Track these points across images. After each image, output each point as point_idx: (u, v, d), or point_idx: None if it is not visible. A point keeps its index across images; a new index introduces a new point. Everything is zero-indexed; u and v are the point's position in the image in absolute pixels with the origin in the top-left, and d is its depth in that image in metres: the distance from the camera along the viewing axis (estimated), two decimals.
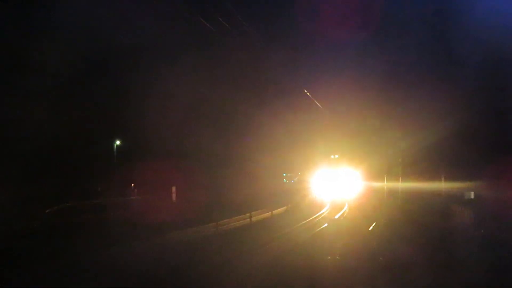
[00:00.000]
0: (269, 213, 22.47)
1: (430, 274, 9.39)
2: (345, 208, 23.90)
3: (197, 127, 25.14)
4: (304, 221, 19.99)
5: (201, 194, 21.58)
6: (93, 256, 11.17)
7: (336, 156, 30.33)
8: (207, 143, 24.40)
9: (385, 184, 23.11)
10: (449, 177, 18.92)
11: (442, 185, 18.88)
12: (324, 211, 24.24)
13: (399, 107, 23.49)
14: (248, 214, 19.83)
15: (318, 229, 18.37)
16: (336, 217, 22.10)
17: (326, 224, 19.63)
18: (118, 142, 30.09)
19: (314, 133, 29.94)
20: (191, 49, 24.69)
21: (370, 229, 17.55)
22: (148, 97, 23.78)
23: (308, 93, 24.65)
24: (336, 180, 24.85)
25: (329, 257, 12.25)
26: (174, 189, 20.88)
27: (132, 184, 23.78)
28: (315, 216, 22.08)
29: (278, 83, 27.85)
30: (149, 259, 11.85)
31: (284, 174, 36.83)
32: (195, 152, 23.97)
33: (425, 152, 19.59)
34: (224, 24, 16.68)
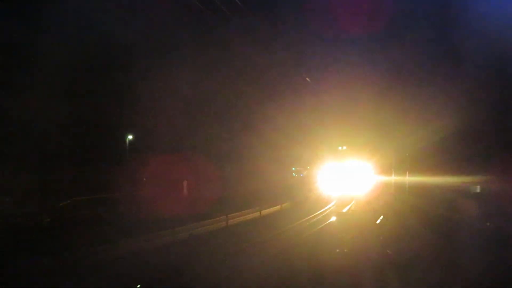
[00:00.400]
0: (279, 206, 22.86)
1: (437, 268, 9.68)
2: (353, 202, 24.16)
3: (209, 122, 25.69)
4: (312, 215, 20.30)
5: (212, 188, 22.02)
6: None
7: (344, 147, 30.46)
8: (218, 138, 24.89)
9: (392, 178, 23.29)
10: (457, 172, 19.07)
11: (449, 180, 19.04)
12: (332, 204, 24.51)
13: (409, 102, 23.61)
14: (257, 208, 20.30)
15: (326, 222, 18.64)
16: (344, 210, 22.35)
17: (334, 218, 19.92)
18: (130, 137, 30.62)
19: (322, 125, 30.14)
20: (197, 44, 25.17)
21: (377, 222, 17.81)
22: (157, 93, 24.24)
23: (308, 79, 24.96)
24: (344, 174, 25.03)
25: (337, 250, 12.53)
26: (185, 183, 21.32)
27: (144, 179, 24.15)
28: (323, 209, 22.37)
29: (286, 76, 28.14)
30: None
31: (293, 168, 37.19)
32: (206, 147, 24.47)
33: (433, 147, 19.75)
34: (227, 12, 16.99)
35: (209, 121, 26.57)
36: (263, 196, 21.85)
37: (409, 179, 21.02)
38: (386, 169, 24.75)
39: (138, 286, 9.28)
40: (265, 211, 20.99)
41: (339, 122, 28.45)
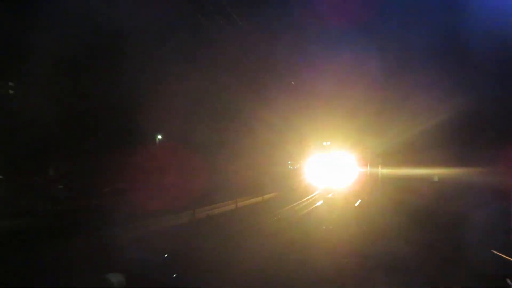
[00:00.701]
0: (277, 193, 27.16)
1: (400, 236, 13.70)
2: (337, 189, 28.43)
3: (212, 121, 29.05)
4: (303, 199, 24.48)
5: (223, 179, 26.10)
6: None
7: (328, 143, 34.58)
8: (228, 140, 28.59)
9: (368, 170, 27.41)
10: (423, 164, 23.14)
11: (416, 171, 23.16)
12: (319, 191, 28.81)
13: (388, 100, 26.71)
14: (260, 194, 24.58)
15: (315, 205, 22.79)
16: (329, 196, 26.58)
17: (321, 201, 24.09)
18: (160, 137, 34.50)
19: (310, 123, 34.04)
20: (188, 43, 27.21)
21: (356, 205, 22.00)
22: (171, 93, 27.27)
23: (293, 82, 28.10)
24: (330, 166, 29.01)
25: (324, 227, 16.58)
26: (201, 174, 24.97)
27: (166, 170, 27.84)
28: (312, 195, 26.65)
29: (275, 77, 31.32)
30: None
31: (289, 162, 41.35)
32: (219, 146, 28.18)
33: (403, 142, 23.68)
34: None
35: (213, 121, 30.27)
36: (265, 185, 25.97)
37: (382, 171, 25.04)
38: (367, 162, 28.72)
39: (166, 255, 12.89)
40: (267, 196, 25.24)
41: (324, 118, 32.32)
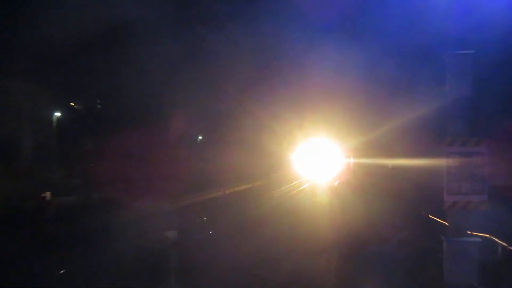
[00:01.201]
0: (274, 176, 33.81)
1: (363, 202, 20.03)
2: (321, 174, 34.93)
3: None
4: (294, 182, 30.99)
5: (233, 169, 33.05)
6: None
7: (312, 137, 40.87)
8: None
9: (346, 161, 34.13)
10: (385, 156, 29.88)
11: (380, 161, 29.85)
12: (307, 177, 35.40)
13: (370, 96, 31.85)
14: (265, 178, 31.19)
15: (304, 186, 29.32)
16: (314, 179, 33.04)
17: (307, 184, 30.56)
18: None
19: (297, 119, 40.30)
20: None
21: (335, 184, 28.44)
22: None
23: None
24: (316, 157, 35.41)
25: (313, 199, 23.07)
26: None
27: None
28: (301, 180, 33.24)
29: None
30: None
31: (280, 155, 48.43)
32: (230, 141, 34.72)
33: (374, 138, 30.11)
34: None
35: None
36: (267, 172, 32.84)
37: (356, 161, 31.63)
38: (346, 154, 35.04)
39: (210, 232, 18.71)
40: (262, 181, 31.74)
41: (310, 116, 38.22)
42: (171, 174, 27.19)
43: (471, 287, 8.38)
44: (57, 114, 28.37)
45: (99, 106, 31.22)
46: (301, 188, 29.96)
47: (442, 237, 8.63)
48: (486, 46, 9.69)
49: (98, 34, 25.41)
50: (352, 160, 29.71)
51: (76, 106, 30.54)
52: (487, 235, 8.83)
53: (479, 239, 8.57)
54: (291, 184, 32.20)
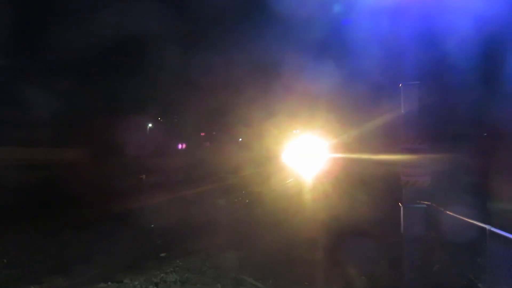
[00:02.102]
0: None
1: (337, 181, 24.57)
2: (306, 166, 39.61)
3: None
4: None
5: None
6: None
7: (298, 131, 45.41)
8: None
9: (330, 154, 38.87)
10: (363, 150, 34.73)
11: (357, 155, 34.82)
12: (295, 168, 40.04)
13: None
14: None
15: (292, 178, 33.96)
16: (302, 169, 37.63)
17: (294, 177, 35.16)
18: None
19: (284, 114, 45.13)
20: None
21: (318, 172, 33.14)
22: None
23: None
24: (303, 151, 39.95)
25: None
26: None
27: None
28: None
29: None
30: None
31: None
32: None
33: (356, 134, 35.03)
34: None
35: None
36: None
37: (339, 155, 36.58)
38: (330, 148, 39.73)
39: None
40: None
41: (297, 112, 42.70)
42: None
43: (420, 237, 12.78)
44: (150, 124, 43.30)
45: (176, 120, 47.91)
46: (292, 178, 34.97)
47: (400, 203, 13.00)
48: (429, 79, 14.08)
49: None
50: (337, 155, 34.68)
51: (161, 119, 46.84)
52: (429, 203, 13.12)
53: (424, 205, 12.96)
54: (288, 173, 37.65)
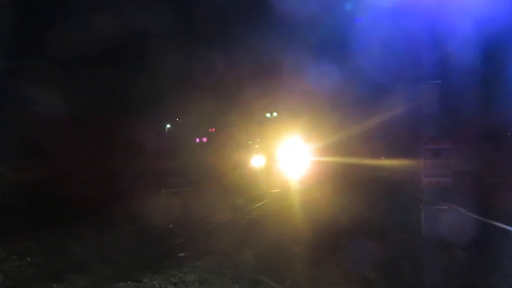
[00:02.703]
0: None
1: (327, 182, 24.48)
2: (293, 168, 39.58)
3: None
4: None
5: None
6: None
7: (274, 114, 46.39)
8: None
9: (314, 158, 38.67)
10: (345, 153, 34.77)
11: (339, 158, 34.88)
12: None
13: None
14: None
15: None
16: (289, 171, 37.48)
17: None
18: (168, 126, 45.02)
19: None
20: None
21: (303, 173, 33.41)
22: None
23: None
24: (287, 155, 39.98)
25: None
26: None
27: None
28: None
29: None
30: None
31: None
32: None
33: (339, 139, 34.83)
34: None
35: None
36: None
37: (322, 159, 36.57)
38: (314, 152, 39.46)
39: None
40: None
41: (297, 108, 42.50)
42: None
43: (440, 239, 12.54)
44: (168, 125, 46.89)
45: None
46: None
47: (421, 205, 12.76)
48: (450, 78, 13.84)
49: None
50: (321, 158, 35.17)
51: (179, 120, 48.92)
52: (451, 204, 12.86)
53: (445, 207, 12.71)
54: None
